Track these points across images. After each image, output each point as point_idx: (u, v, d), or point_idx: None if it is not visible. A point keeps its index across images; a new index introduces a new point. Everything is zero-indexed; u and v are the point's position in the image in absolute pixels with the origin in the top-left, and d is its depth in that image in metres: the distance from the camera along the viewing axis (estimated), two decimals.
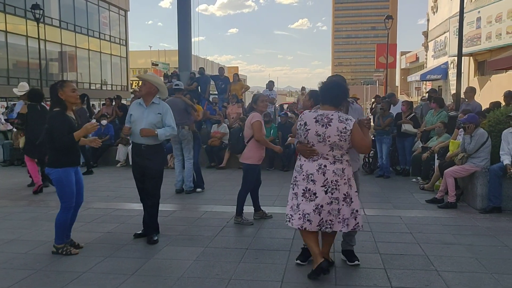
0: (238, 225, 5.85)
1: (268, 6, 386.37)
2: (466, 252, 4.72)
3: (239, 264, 4.41)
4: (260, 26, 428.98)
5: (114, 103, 13.23)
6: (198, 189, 8.19)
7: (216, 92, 15.27)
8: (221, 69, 15.48)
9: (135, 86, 45.71)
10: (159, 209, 6.69)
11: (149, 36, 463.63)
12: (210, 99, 13.72)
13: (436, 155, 8.31)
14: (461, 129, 7.41)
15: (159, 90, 5.26)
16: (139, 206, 6.90)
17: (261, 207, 6.22)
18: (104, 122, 11.88)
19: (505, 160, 6.43)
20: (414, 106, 11.82)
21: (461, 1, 10.92)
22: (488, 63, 15.67)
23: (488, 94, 17.14)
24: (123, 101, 14.35)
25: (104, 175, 10.15)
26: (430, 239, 5.17)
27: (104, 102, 14.18)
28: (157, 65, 46.14)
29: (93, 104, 21.02)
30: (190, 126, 8.08)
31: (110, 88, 39.84)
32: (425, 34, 30.18)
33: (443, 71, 25.22)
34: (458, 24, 20.27)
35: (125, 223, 5.98)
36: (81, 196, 4.90)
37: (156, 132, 5.06)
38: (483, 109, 9.39)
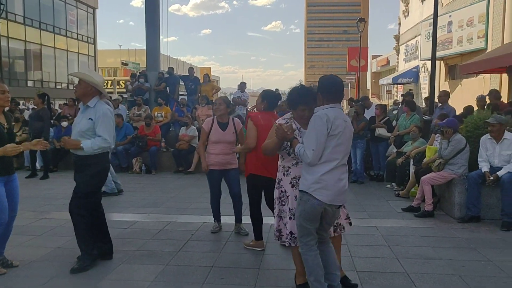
0: (203, 239, 5.37)
1: (242, 7, 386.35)
2: (448, 268, 4.39)
3: (203, 286, 3.95)
4: (234, 28, 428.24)
5: (77, 103, 12.54)
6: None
7: (186, 93, 14.73)
8: (191, 69, 14.95)
9: (104, 86, 44.54)
10: (119, 219, 6.23)
11: (120, 35, 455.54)
12: (179, 100, 13.16)
13: (411, 160, 8.05)
14: (438, 134, 7.17)
15: (100, 91, 4.40)
16: None
17: (221, 216, 5.79)
18: (64, 124, 11.18)
19: (484, 167, 6.18)
20: (388, 110, 11.63)
21: (435, 6, 10.77)
22: (460, 67, 15.68)
23: (459, 98, 17.20)
24: None
25: (63, 180, 9.49)
26: (409, 253, 4.83)
27: (66, 102, 13.45)
28: (127, 64, 45.08)
29: (51, 103, 20.01)
30: None
31: None
32: (397, 37, 30.40)
33: (414, 74, 25.39)
34: (429, 28, 20.45)
35: None
36: (14, 210, 4.27)
37: (81, 144, 4.17)
38: (457, 113, 9.23)
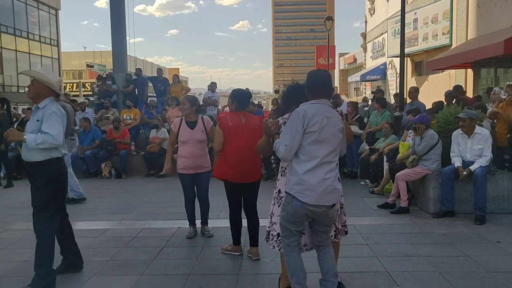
0: (179, 245, 5.21)
1: (208, 7, 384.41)
2: (428, 265, 4.38)
3: None
4: (201, 28, 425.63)
5: None
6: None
7: (155, 95, 14.43)
8: (160, 70, 14.66)
9: (69, 89, 43.42)
10: (89, 228, 5.98)
11: (85, 36, 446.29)
12: (148, 102, 12.87)
13: (385, 157, 8.08)
14: (411, 130, 7.21)
15: (55, 91, 4.05)
16: None
17: (197, 220, 5.62)
18: None
19: (456, 162, 6.24)
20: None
21: (402, 3, 10.90)
22: (427, 63, 15.97)
23: (426, 94, 17.51)
24: None
25: (29, 188, 9.06)
26: (388, 251, 4.81)
27: (28, 106, 12.94)
28: (92, 66, 43.97)
29: (14, 107, 19.33)
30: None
31: None
32: (363, 35, 30.77)
33: (381, 71, 25.76)
34: (395, 25, 20.77)
35: None
36: None
37: (24, 136, 3.82)
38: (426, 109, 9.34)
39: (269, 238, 3.72)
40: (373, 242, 5.12)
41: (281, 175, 3.70)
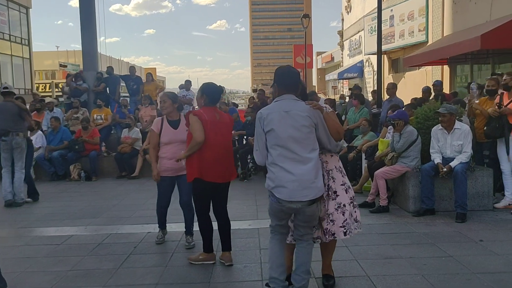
0: (147, 251, 4.86)
1: (185, 7, 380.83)
2: (409, 267, 4.16)
3: None
4: (178, 27, 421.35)
5: None
6: (29, 199, 7.56)
7: (127, 94, 13.99)
8: (132, 68, 14.21)
9: (41, 89, 42.28)
10: (51, 234, 5.62)
11: (59, 36, 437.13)
12: (120, 101, 12.43)
13: (363, 154, 7.89)
14: (390, 127, 7.03)
15: None
16: (26, 233, 5.74)
17: (167, 224, 5.24)
18: None
19: (436, 158, 6.07)
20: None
21: (379, 0, 10.77)
22: (404, 60, 15.94)
23: (403, 91, 17.52)
24: None
25: None
26: (368, 253, 4.57)
27: None
28: (65, 66, 42.83)
29: None
30: (24, 133, 7.38)
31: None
32: (340, 33, 30.80)
33: (359, 69, 25.79)
34: (372, 22, 20.76)
35: (2, 258, 4.75)
36: None
37: None
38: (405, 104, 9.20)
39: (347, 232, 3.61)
40: (352, 243, 4.88)
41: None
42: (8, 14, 36.78)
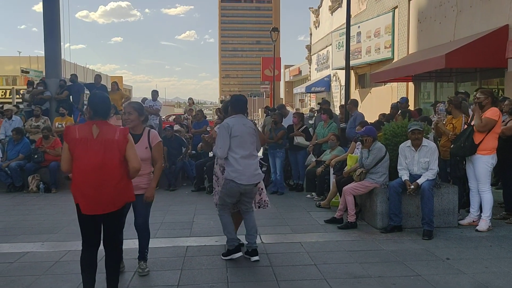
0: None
1: (154, 16, 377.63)
2: (379, 287, 4.10)
3: None
4: (146, 36, 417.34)
5: None
6: None
7: None
8: (98, 76, 13.85)
9: (1, 95, 40.79)
10: (4, 251, 5.28)
11: (22, 41, 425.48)
12: (84, 110, 12.05)
13: (331, 169, 7.87)
14: (359, 143, 7.04)
15: None
16: None
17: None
18: None
19: (404, 175, 6.09)
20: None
21: (347, 17, 10.92)
22: (371, 76, 16.21)
23: (369, 105, 17.83)
24: None
25: None
26: (337, 272, 4.50)
27: None
28: (28, 72, 41.55)
29: None
30: None
31: None
32: (308, 48, 31.17)
33: (326, 83, 26.10)
34: (339, 38, 21.09)
35: None
36: None
37: None
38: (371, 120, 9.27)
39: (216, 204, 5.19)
40: (321, 261, 4.80)
41: (219, 169, 5.20)
42: None
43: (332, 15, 24.88)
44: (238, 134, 4.73)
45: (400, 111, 9.67)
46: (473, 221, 6.27)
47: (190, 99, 17.82)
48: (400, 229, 6.02)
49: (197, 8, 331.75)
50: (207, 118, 13.16)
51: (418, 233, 5.83)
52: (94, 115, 3.66)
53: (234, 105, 4.98)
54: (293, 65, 44.08)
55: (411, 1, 15.26)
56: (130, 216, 4.38)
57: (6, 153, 9.78)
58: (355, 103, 10.06)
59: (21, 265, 4.80)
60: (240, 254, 4.90)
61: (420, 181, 5.94)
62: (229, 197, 4.85)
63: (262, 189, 5.29)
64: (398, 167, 6.24)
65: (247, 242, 4.93)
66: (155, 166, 4.46)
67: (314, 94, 29.78)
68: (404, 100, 10.05)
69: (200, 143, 7.90)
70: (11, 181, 9.38)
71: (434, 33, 13.60)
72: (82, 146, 3.52)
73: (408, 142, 6.22)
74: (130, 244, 4.90)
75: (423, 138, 6.17)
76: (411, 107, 13.27)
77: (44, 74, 32.64)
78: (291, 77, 43.25)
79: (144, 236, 4.56)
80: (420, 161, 6.10)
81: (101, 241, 3.72)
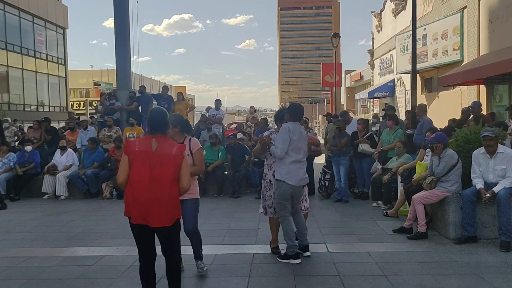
0: (184, 275, 4.74)
1: (215, 26, 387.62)
2: None
3: None
4: (208, 47, 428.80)
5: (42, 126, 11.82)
6: None
7: None
8: (165, 87, 14.38)
9: (76, 107, 43.43)
10: (83, 254, 5.59)
11: (93, 56, 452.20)
12: None
13: (398, 177, 7.64)
14: (428, 150, 6.79)
15: None
16: (58, 252, 5.74)
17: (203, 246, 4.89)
18: (28, 148, 10.44)
19: (478, 184, 5.80)
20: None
21: (413, 19, 10.59)
22: (439, 80, 15.57)
23: (436, 110, 17.11)
24: (55, 124, 12.95)
25: (26, 210, 8.74)
26: (409, 284, 4.35)
27: (31, 125, 12.67)
28: (99, 85, 44.02)
29: (20, 125, 19.09)
30: None
31: (48, 110, 37.36)
32: (371, 52, 30.51)
33: (390, 88, 25.38)
34: (404, 41, 20.49)
35: (34, 278, 4.75)
36: None
37: None
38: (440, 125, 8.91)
39: (267, 213, 5.46)
40: (391, 272, 4.67)
41: (268, 169, 5.44)
42: (45, 35, 38.13)
43: (395, 18, 24.23)
44: (295, 139, 5.08)
45: (472, 116, 9.21)
46: None
47: (251, 107, 18.06)
48: (474, 240, 5.73)
49: (257, 17, 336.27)
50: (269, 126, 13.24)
51: (495, 245, 5.52)
52: (152, 131, 3.75)
53: (293, 112, 5.28)
54: (354, 70, 43.33)
55: (481, 1, 14.53)
56: None
57: (82, 162, 10.40)
58: (423, 108, 9.73)
59: (99, 268, 5.08)
60: (299, 261, 5.08)
61: (496, 189, 5.63)
62: (285, 199, 5.10)
63: (304, 195, 5.58)
64: (472, 175, 5.95)
65: (299, 240, 5.27)
66: (193, 167, 4.52)
67: (377, 99, 29.06)
68: (477, 105, 9.57)
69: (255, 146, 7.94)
70: (87, 188, 9.96)
71: (506, 33, 12.86)
72: (141, 158, 3.58)
73: (482, 149, 5.92)
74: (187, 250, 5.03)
75: (499, 144, 5.85)
76: (483, 111, 12.62)
77: (114, 86, 34.31)
78: (352, 82, 42.52)
79: (195, 239, 4.73)
80: (495, 169, 5.79)
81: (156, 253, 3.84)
